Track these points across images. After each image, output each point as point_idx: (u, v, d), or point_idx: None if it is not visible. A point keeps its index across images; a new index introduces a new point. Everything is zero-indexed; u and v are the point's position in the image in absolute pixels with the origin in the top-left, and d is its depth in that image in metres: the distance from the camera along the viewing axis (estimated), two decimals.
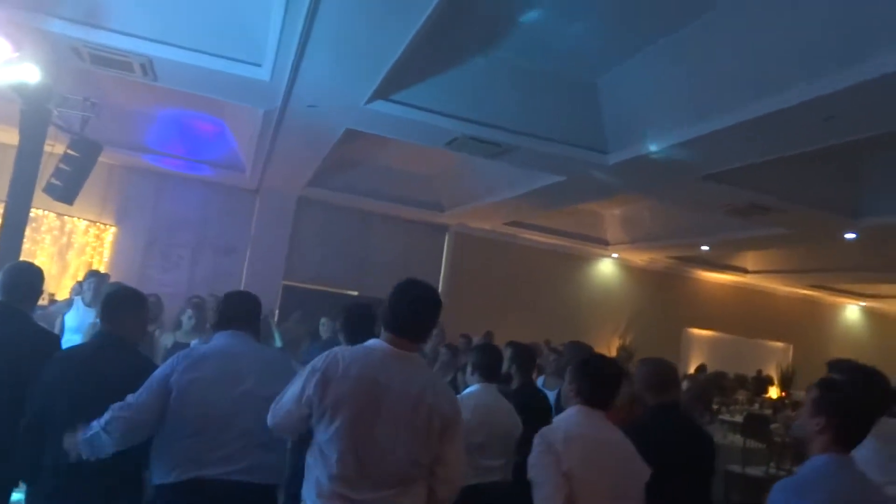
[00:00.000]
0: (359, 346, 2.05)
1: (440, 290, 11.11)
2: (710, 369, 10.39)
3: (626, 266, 12.41)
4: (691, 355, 12.51)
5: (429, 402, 1.95)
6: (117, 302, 2.53)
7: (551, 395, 4.33)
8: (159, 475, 2.21)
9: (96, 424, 2.13)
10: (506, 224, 10.48)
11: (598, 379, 2.27)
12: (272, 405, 2.03)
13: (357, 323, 2.95)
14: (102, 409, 2.16)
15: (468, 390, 3.17)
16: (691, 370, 10.78)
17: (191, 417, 2.21)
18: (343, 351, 2.01)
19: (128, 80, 5.65)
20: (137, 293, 2.69)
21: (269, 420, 2.04)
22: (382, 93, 5.21)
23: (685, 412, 3.03)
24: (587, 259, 12.11)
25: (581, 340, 8.83)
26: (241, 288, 7.74)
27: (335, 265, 10.07)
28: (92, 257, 9.27)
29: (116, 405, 2.17)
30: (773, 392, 11.63)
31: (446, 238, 11.18)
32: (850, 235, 7.56)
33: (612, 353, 10.81)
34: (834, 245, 8.39)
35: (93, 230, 9.32)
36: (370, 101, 5.29)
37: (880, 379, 2.45)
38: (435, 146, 6.32)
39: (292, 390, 2.00)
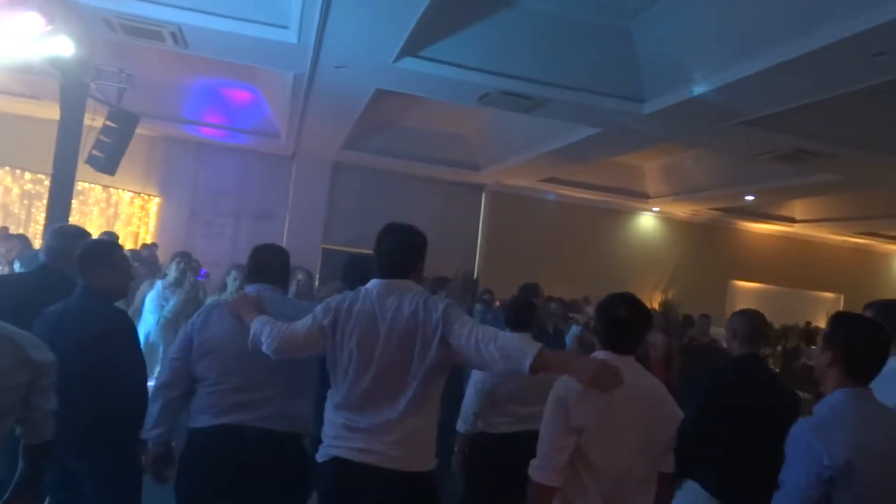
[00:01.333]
0: (361, 288, 2.22)
1: (478, 248, 11.13)
2: None
3: (667, 219, 12.15)
4: (737, 308, 12.27)
5: (421, 317, 2.07)
6: (89, 257, 2.46)
7: None
8: (191, 420, 2.31)
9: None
10: (542, 181, 10.35)
11: (616, 321, 2.15)
12: (275, 331, 2.16)
13: (353, 274, 3.11)
14: (80, 365, 2.22)
15: None
16: None
17: (213, 367, 2.28)
18: (350, 293, 2.20)
19: (162, 51, 5.73)
20: (110, 245, 2.70)
21: (269, 342, 2.14)
22: (410, 49, 5.15)
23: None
24: (627, 213, 11.91)
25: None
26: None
27: (373, 228, 10.04)
28: (139, 227, 9.56)
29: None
30: None
31: (483, 197, 11.12)
32: None
33: (655, 307, 10.68)
34: (887, 190, 8.02)
35: (138, 201, 9.59)
36: (398, 58, 5.23)
37: None
38: (467, 103, 6.24)
39: (303, 322, 2.16)
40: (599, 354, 2.16)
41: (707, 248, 12.20)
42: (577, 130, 7.00)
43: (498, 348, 1.93)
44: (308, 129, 8.20)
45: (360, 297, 2.15)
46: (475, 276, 10.68)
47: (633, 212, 11.88)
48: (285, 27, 4.86)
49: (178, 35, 4.95)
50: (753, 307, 10.26)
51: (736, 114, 5.59)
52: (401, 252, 2.22)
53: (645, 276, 11.65)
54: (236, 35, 4.83)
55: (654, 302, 11.21)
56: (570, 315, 6.39)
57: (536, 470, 2.02)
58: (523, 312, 3.34)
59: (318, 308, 2.18)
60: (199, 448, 2.26)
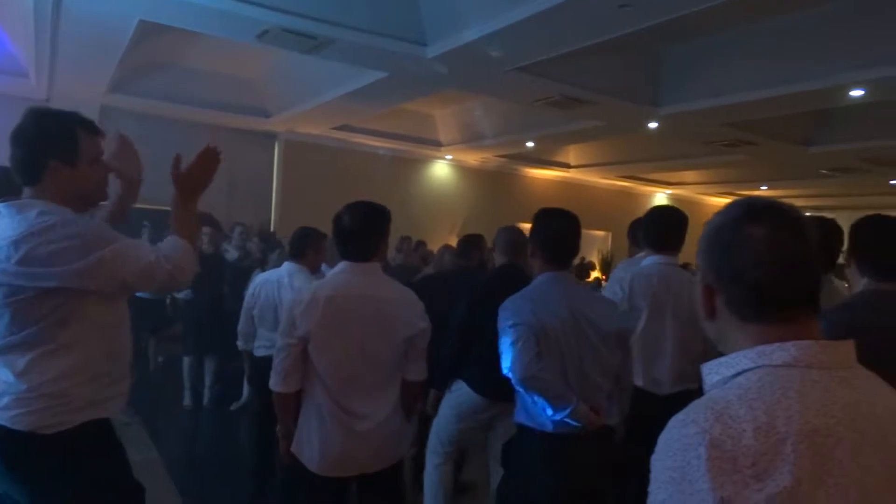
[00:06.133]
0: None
1: (273, 199, 10.75)
2: None
3: (460, 167, 12.71)
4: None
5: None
6: None
7: None
8: None
9: None
10: (336, 129, 10.21)
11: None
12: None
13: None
14: None
15: None
16: None
17: None
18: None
19: None
20: None
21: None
22: None
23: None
24: (422, 162, 12.23)
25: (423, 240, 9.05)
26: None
27: (153, 180, 9.25)
28: None
29: None
30: (596, 275, 12.82)
31: (276, 146, 10.69)
32: (652, 125, 8.23)
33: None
34: (640, 135, 9.11)
35: None
36: None
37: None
38: (245, 40, 5.87)
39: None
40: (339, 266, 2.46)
41: (496, 194, 13.01)
42: (365, 75, 6.96)
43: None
44: (62, 68, 7.18)
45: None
46: (272, 228, 10.34)
47: (427, 160, 12.23)
48: None
49: None
50: None
51: (509, 60, 5.93)
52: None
53: (442, 222, 12.14)
54: None
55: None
56: None
57: (271, 380, 2.33)
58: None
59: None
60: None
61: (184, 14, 5.24)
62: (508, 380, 2.34)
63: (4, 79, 7.91)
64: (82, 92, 8.17)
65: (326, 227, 6.88)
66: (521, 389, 2.31)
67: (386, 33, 5.68)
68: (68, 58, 6.73)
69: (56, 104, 8.52)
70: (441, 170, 12.56)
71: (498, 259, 3.34)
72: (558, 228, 2.48)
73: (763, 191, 14.23)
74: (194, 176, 1.88)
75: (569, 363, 2.32)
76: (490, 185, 13.02)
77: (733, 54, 6.61)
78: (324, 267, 4.25)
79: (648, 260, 3.12)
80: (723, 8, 4.73)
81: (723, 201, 15.55)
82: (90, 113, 8.20)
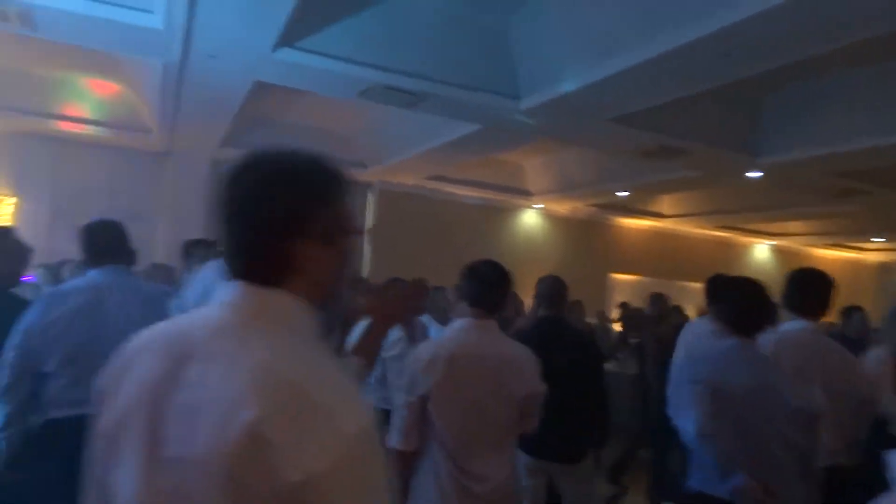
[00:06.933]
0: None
1: (366, 247, 11.07)
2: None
3: (549, 216, 12.65)
4: (615, 299, 12.98)
5: None
6: None
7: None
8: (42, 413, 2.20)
9: None
10: (429, 178, 10.46)
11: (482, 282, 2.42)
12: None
13: None
14: None
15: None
16: (614, 313, 11.20)
17: (55, 358, 2.14)
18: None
19: (10, 35, 5.25)
20: (3, 230, 2.62)
21: None
22: (288, 40, 5.03)
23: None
24: (511, 211, 12.27)
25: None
26: (158, 259, 7.43)
27: None
28: None
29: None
30: None
31: (369, 195, 11.07)
32: (753, 174, 7.93)
33: None
34: (739, 185, 8.78)
35: None
36: (276, 49, 5.09)
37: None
38: (348, 97, 6.18)
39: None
40: (458, 322, 2.28)
41: (586, 243, 12.83)
42: (458, 127, 7.13)
43: None
44: (183, 125, 7.80)
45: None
46: (364, 274, 10.60)
47: (517, 209, 12.26)
48: (149, 11, 4.59)
49: (26, 15, 4.54)
50: (630, 298, 10.82)
51: (603, 111, 5.92)
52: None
53: (531, 272, 12.03)
54: (92, 18, 4.50)
55: None
56: None
57: (391, 438, 2.25)
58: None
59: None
60: (55, 440, 2.12)
61: (295, 75, 5.59)
62: (551, 437, 2.30)
63: (130, 134, 8.69)
64: (198, 146, 8.84)
65: (416, 275, 6.99)
66: (695, 448, 2.22)
67: (480, 88, 5.82)
68: (189, 116, 7.32)
69: (175, 157, 9.27)
70: (530, 218, 12.54)
71: (540, 310, 3.21)
72: (751, 297, 2.45)
73: (877, 242, 13.28)
74: (398, 306, 1.78)
75: (748, 434, 2.21)
76: (580, 234, 12.86)
77: (836, 101, 6.31)
78: (425, 317, 4.28)
79: (792, 325, 2.92)
80: (826, 55, 4.57)
81: (832, 254, 14.65)
82: (202, 165, 8.75)
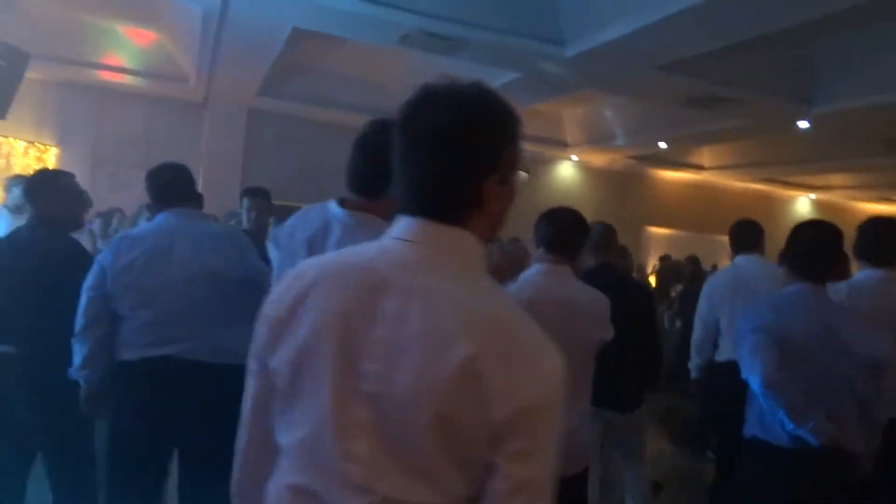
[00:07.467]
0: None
1: None
2: None
3: (585, 168, 12.45)
4: (652, 252, 12.84)
5: None
6: (35, 185, 2.52)
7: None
8: (118, 354, 2.22)
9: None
10: None
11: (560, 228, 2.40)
12: None
13: None
14: (41, 291, 2.15)
15: None
16: (651, 265, 11.10)
17: (131, 299, 2.18)
18: None
19: None
20: (56, 173, 2.71)
21: None
22: None
23: None
24: (548, 162, 12.09)
25: None
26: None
27: (293, 178, 9.84)
28: None
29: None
30: None
31: None
32: (803, 124, 7.65)
33: None
34: (787, 135, 8.50)
35: (33, 151, 8.88)
36: None
37: None
38: (387, 43, 6.07)
39: None
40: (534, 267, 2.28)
41: (623, 195, 12.63)
42: (498, 75, 6.97)
43: None
44: (221, 73, 7.78)
45: None
46: None
47: (553, 160, 12.08)
48: None
49: None
50: (666, 251, 10.74)
51: (652, 58, 5.72)
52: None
53: None
54: None
55: None
56: None
57: None
58: None
59: None
60: (128, 383, 2.17)
61: (334, 21, 5.51)
62: (610, 384, 2.29)
63: (168, 83, 8.70)
64: (235, 96, 8.83)
65: None
66: (761, 398, 2.19)
67: (522, 33, 5.66)
68: (227, 64, 7.29)
69: (212, 107, 9.26)
70: (567, 170, 12.36)
71: (587, 259, 3.16)
72: (814, 239, 2.36)
73: None
74: (515, 266, 1.81)
75: (815, 378, 2.16)
76: (617, 186, 12.65)
77: (893, 49, 6.00)
78: None
79: (865, 273, 2.86)
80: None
81: (878, 208, 14.18)
82: (240, 115, 8.74)
